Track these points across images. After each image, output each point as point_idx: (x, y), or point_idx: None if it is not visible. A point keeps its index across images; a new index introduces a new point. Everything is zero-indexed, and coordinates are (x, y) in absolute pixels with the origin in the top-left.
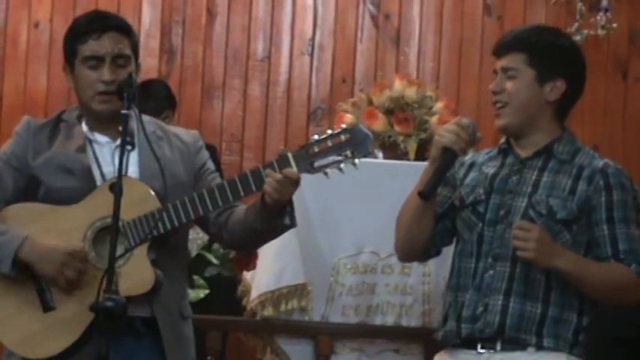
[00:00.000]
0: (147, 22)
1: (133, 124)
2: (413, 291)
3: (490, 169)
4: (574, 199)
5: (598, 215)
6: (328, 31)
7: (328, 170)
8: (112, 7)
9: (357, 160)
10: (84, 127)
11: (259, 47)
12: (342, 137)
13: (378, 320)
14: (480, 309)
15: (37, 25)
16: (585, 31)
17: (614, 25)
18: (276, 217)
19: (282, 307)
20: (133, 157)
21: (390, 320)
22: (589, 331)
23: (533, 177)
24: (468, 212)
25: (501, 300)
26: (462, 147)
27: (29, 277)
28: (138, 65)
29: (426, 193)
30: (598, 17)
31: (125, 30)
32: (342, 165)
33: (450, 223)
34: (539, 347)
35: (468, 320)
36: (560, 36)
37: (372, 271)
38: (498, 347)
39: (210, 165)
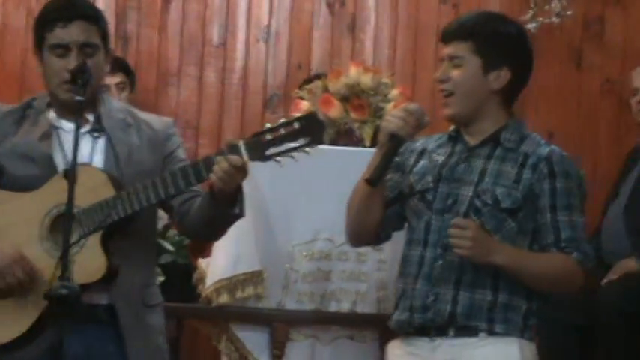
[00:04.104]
0: (101, 7)
1: (103, 111)
2: (368, 278)
3: (440, 157)
4: (519, 187)
5: (542, 203)
6: (284, 17)
7: (280, 159)
8: None
9: (308, 149)
10: (51, 114)
11: (215, 34)
12: (296, 125)
13: (333, 307)
14: (431, 298)
15: None
16: (540, 19)
17: (569, 12)
18: (225, 207)
19: (238, 294)
20: (100, 145)
21: (345, 307)
22: (541, 318)
23: (480, 165)
24: (417, 200)
25: (452, 290)
26: (409, 133)
27: None
28: (108, 51)
29: (373, 180)
30: (552, 5)
31: (94, 18)
32: (293, 153)
33: (401, 209)
34: (491, 333)
35: (420, 310)
36: (507, 24)
37: (328, 258)
38: (451, 334)
39: (180, 153)
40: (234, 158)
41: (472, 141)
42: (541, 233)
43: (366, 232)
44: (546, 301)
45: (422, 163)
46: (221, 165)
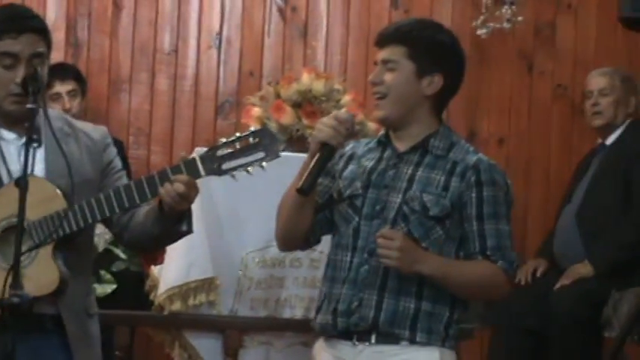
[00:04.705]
0: (52, 14)
1: (40, 121)
2: None
3: (368, 163)
4: (447, 195)
5: (468, 211)
6: (235, 24)
7: (236, 173)
8: None
9: (264, 163)
10: None
11: (166, 41)
12: (251, 140)
13: (286, 314)
14: (355, 303)
15: None
16: (491, 25)
17: (520, 18)
18: (173, 224)
19: (191, 302)
20: (40, 155)
21: (298, 313)
22: (494, 323)
23: (409, 172)
24: (345, 205)
25: (376, 295)
26: (339, 141)
27: None
28: (49, 62)
29: (304, 190)
30: (503, 10)
31: (43, 31)
32: (249, 168)
33: (330, 214)
34: (412, 342)
35: (344, 314)
36: (442, 31)
37: (281, 265)
38: (373, 340)
39: (118, 163)
40: (181, 177)
41: (401, 147)
42: (467, 241)
43: (295, 237)
44: (466, 309)
45: (351, 167)
46: (176, 187)
